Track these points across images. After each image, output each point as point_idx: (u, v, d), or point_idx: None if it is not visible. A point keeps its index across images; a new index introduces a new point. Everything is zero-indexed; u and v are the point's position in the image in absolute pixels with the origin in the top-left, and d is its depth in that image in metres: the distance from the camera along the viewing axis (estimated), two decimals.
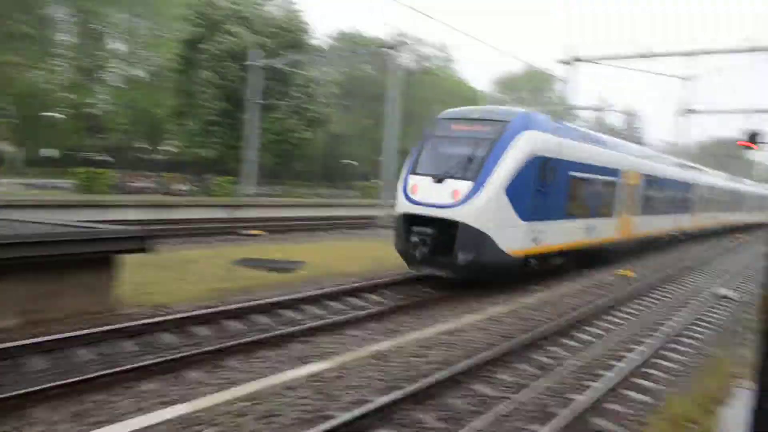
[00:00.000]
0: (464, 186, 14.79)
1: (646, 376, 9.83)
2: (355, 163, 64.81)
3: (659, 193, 26.10)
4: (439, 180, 15.18)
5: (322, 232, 29.36)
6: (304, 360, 9.49)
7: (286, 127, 47.60)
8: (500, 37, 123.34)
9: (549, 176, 16.27)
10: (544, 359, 10.40)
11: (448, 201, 14.86)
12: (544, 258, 16.89)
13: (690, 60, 29.87)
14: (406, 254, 15.94)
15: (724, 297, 17.44)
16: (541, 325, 12.36)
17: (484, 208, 14.63)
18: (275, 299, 12.92)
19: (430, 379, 8.43)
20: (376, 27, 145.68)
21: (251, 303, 12.49)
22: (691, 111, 37.93)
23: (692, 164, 36.35)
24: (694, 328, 13.53)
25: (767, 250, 29.51)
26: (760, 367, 3.89)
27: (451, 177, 15.05)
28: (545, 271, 17.61)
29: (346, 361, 9.21)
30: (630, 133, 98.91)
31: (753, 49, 27.45)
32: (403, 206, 15.83)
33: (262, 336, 10.41)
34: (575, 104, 44.99)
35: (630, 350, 11.16)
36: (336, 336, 11.12)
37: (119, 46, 57.26)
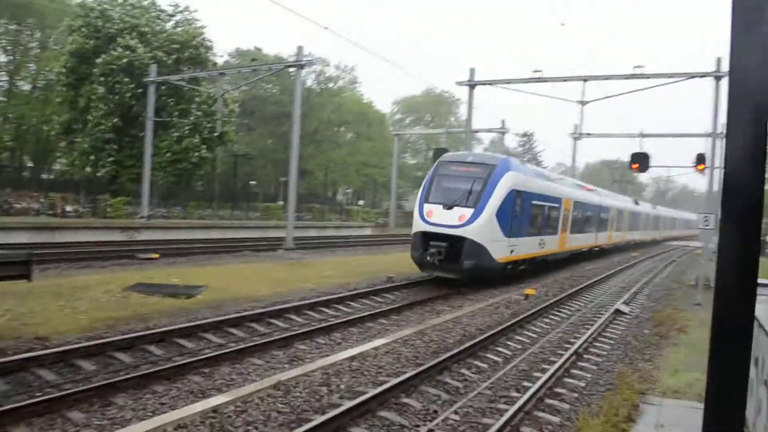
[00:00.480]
0: (468, 212, 20.45)
1: (556, 396, 9.77)
2: (253, 182, 63.49)
3: (585, 216, 33.10)
4: (449, 207, 20.68)
5: (227, 254, 28.25)
6: (200, 393, 8.78)
7: (186, 146, 45.91)
8: (405, 60, 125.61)
9: (519, 204, 22.25)
10: (454, 383, 10.15)
11: (457, 222, 20.36)
12: (516, 264, 23.12)
13: (585, 85, 31.12)
14: (421, 262, 20.98)
15: (618, 311, 17.98)
16: (451, 347, 12.16)
17: (483, 228, 20.35)
18: (171, 327, 12.06)
19: (336, 411, 7.95)
20: (277, 45, 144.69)
21: (145, 332, 11.58)
22: (584, 135, 39.61)
23: (606, 191, 44.19)
24: (596, 344, 13.77)
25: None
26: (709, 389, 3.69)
27: (457, 205, 20.64)
28: (456, 293, 20.26)
29: (247, 393, 8.59)
30: (526, 155, 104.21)
31: (639, 77, 28.97)
32: (420, 226, 20.97)
33: (155, 368, 9.58)
34: (476, 127, 46.12)
35: (538, 369, 11.13)
36: (237, 365, 10.43)
37: (1, 58, 53.56)
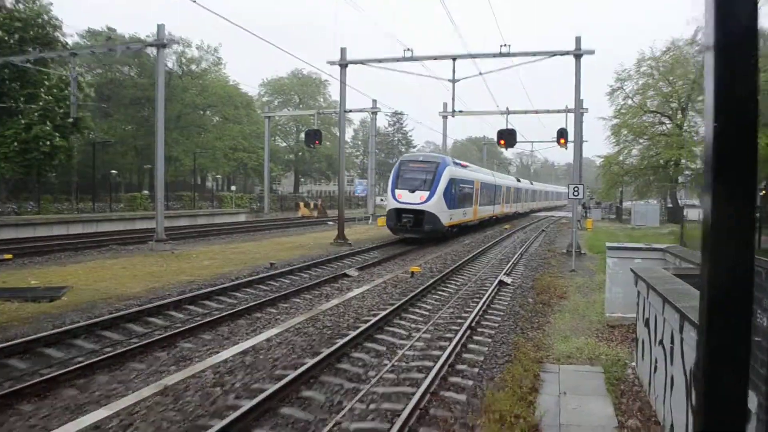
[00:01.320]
0: (425, 194, 30.84)
1: (458, 373, 9.66)
2: (114, 172, 59.51)
3: (488, 193, 44.22)
4: (412, 191, 30.95)
5: (91, 250, 26.10)
6: (77, 410, 7.80)
7: (35, 134, 42.01)
8: (273, 39, 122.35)
9: (454, 187, 33.04)
10: (355, 369, 9.77)
11: (419, 201, 30.66)
12: (454, 228, 34.31)
13: (455, 64, 31.54)
14: (395, 228, 31.45)
15: (502, 283, 18.43)
16: (346, 333, 11.79)
17: (436, 204, 30.76)
18: (36, 335, 10.76)
19: (235, 414, 7.31)
20: (135, 25, 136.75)
21: (4, 344, 10.24)
22: (455, 113, 40.36)
23: (500, 174, 57.41)
24: (486, 317, 13.92)
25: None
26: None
27: (418, 190, 30.94)
28: (342, 275, 20.24)
29: (132, 404, 7.75)
30: (396, 134, 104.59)
31: (506, 55, 29.72)
32: (394, 204, 31.06)
33: (20, 386, 8.43)
34: (349, 107, 45.69)
35: (436, 348, 11.01)
36: (116, 373, 9.44)
37: None
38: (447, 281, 18.90)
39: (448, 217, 32.11)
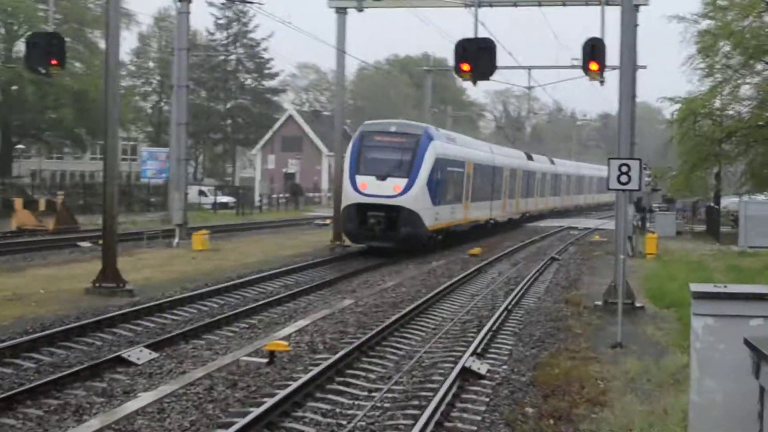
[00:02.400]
0: (402, 182, 22.08)
1: None
2: None
3: (482, 181, 30.21)
4: (382, 178, 22.02)
5: None
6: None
7: None
8: None
9: (441, 173, 24.04)
10: None
11: (392, 193, 21.94)
12: (439, 233, 25.01)
13: None
14: (356, 234, 22.72)
15: (468, 372, 10.03)
16: None
17: (417, 197, 22.25)
18: None
19: None
20: None
21: None
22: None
23: (496, 147, 37.85)
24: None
25: None
26: None
27: (391, 176, 22.15)
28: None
29: None
30: (236, 45, 63.37)
31: None
32: (355, 198, 22.16)
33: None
34: None
35: None
36: None
37: None
38: (353, 371, 9.58)
39: (432, 216, 23.13)
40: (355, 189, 22.19)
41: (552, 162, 49.94)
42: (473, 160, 28.70)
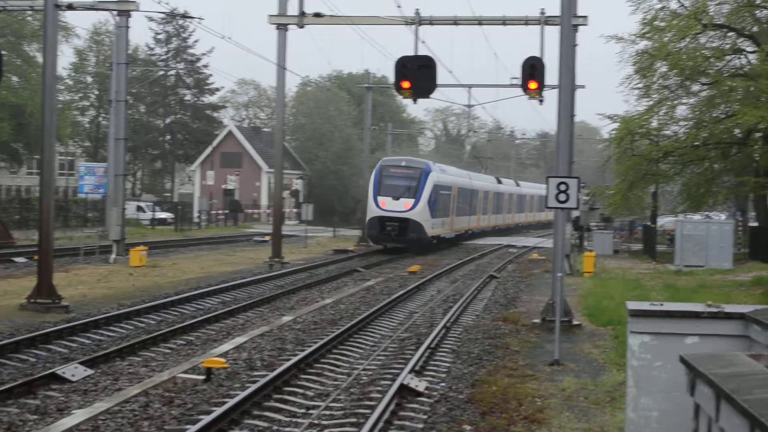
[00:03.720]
0: (410, 201, 31.71)
1: None
2: None
3: (463, 200, 39.59)
4: (396, 198, 31.67)
5: None
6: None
7: None
8: None
9: (437, 195, 33.52)
10: None
11: (404, 209, 31.45)
12: (435, 239, 34.27)
13: None
14: (378, 238, 32.59)
15: (405, 390, 9.88)
16: None
17: (421, 212, 31.82)
18: None
19: None
20: None
21: None
22: (304, 17, 25.43)
23: (474, 173, 46.35)
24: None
25: None
26: None
27: (402, 197, 31.83)
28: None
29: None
30: (177, 60, 61.70)
31: None
32: (377, 212, 31.64)
33: None
34: None
35: None
36: None
37: None
38: (291, 388, 9.50)
39: (431, 226, 32.38)
40: (377, 206, 31.45)
41: (518, 185, 59.12)
42: (457, 184, 38.35)
